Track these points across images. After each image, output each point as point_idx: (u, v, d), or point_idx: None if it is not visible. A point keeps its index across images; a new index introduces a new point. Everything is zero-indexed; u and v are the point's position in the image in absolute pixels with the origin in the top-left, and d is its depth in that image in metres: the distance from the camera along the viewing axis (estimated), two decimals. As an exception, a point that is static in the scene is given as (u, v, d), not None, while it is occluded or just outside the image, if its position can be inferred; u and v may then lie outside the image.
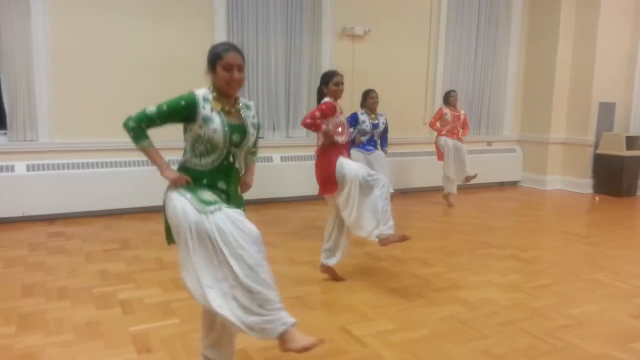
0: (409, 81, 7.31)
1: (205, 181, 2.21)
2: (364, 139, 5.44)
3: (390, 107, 5.68)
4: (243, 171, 2.39)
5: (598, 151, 7.70)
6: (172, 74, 5.50)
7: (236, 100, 2.30)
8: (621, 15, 7.61)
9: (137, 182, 5.55)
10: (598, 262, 4.43)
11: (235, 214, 2.11)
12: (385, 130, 5.64)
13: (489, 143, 8.21)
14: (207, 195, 2.17)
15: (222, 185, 2.25)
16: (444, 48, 7.58)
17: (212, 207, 2.09)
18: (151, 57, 5.64)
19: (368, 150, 5.46)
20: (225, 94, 2.24)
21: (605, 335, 3.00)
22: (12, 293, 3.46)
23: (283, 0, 6.42)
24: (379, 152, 5.52)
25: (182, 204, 2.12)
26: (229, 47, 2.24)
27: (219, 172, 2.24)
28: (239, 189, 2.40)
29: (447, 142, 6.46)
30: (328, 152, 3.73)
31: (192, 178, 2.20)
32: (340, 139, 3.74)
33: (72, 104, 5.50)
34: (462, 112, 6.71)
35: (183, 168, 2.26)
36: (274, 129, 6.62)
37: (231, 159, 2.26)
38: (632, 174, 7.55)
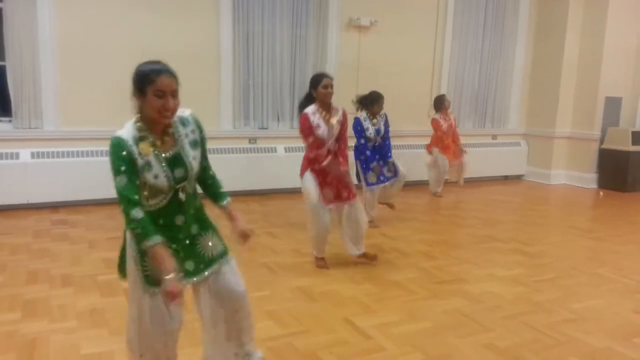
0: (415, 73, 7.27)
1: (162, 221, 1.98)
2: (369, 145, 4.99)
3: (395, 99, 5.65)
4: (193, 191, 2.10)
5: (603, 146, 7.66)
6: (177, 64, 5.43)
7: (167, 126, 1.97)
8: (629, 10, 7.54)
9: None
10: (602, 257, 4.42)
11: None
12: (387, 131, 5.14)
13: (494, 137, 8.18)
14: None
15: (179, 220, 2.03)
16: (450, 40, 7.53)
17: (155, 290, 1.95)
18: (156, 47, 5.61)
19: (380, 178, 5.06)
20: (155, 123, 1.94)
21: (609, 330, 2.99)
22: (17, 280, 3.48)
23: (290, -11, 6.40)
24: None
25: (133, 272, 2.00)
26: (161, 69, 1.91)
27: (171, 208, 2.01)
28: (203, 212, 2.17)
29: (444, 161, 6.54)
30: (306, 160, 3.80)
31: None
32: (315, 153, 3.70)
33: (77, 93, 5.49)
34: (453, 117, 6.69)
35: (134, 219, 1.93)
36: (278, 119, 6.60)
37: (180, 194, 2.01)
38: (637, 169, 7.51)
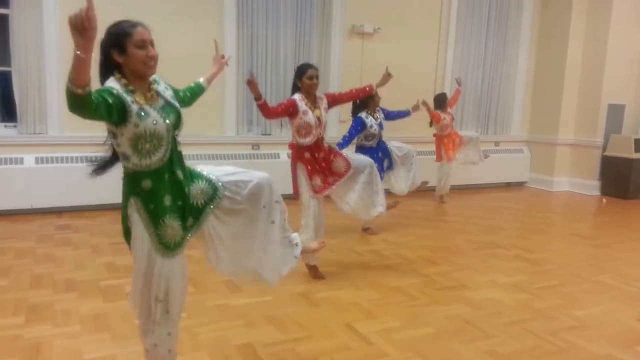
0: (418, 80, 7.29)
1: (167, 176, 2.04)
2: (372, 142, 5.06)
3: (398, 106, 5.66)
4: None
5: (606, 153, 7.66)
6: (181, 68, 5.48)
7: (149, 83, 2.04)
8: (632, 17, 7.55)
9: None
10: (604, 264, 4.42)
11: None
12: (388, 117, 5.29)
13: (497, 143, 8.19)
14: (171, 231, 2.05)
15: (180, 174, 2.09)
16: (453, 46, 7.56)
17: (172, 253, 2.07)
18: (161, 52, 5.63)
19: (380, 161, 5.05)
20: (141, 76, 1.97)
21: (611, 337, 2.99)
22: (21, 284, 3.50)
23: (293, -4, 6.44)
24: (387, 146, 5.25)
25: (142, 239, 2.05)
26: (135, 22, 1.98)
27: (172, 162, 2.05)
28: (191, 170, 2.21)
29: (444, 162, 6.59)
30: (293, 153, 3.83)
31: (149, 186, 2.01)
32: (304, 141, 3.70)
33: (81, 98, 5.53)
34: (450, 110, 6.67)
35: (136, 176, 2.02)
36: (281, 125, 6.61)
37: (178, 145, 2.09)
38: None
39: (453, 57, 7.59)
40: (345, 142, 4.83)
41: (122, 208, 2.12)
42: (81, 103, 1.72)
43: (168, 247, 2.06)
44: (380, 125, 5.09)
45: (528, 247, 4.85)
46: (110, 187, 5.59)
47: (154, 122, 1.94)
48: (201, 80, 2.57)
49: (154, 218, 2.02)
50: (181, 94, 2.34)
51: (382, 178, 4.99)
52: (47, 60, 5.35)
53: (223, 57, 2.79)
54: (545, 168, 8.14)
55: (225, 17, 6.07)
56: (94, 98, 1.76)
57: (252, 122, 6.50)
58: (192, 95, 2.47)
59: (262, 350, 2.70)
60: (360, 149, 5.08)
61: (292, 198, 3.78)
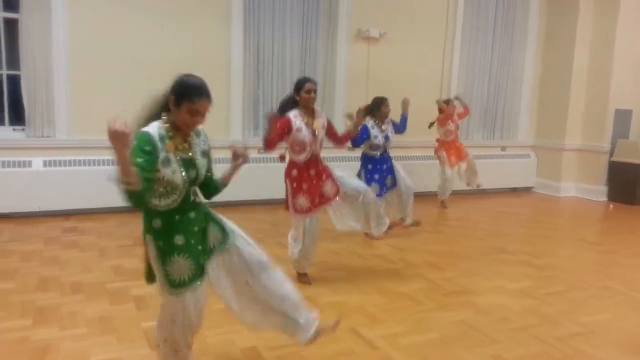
0: (424, 84, 7.29)
1: (177, 217, 2.14)
2: (376, 153, 5.01)
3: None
4: (200, 198, 2.28)
5: (613, 158, 7.63)
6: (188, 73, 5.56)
7: (187, 133, 2.16)
8: (639, 21, 7.53)
9: (151, 179, 5.63)
10: (611, 270, 4.40)
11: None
12: (396, 130, 5.20)
13: (503, 148, 8.17)
14: (179, 268, 2.13)
15: (192, 214, 2.20)
16: (459, 51, 7.56)
17: (180, 290, 2.15)
18: (169, 57, 5.69)
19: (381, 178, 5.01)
20: (180, 130, 2.11)
21: (617, 344, 2.98)
22: (29, 286, 3.52)
23: (300, 1, 6.46)
24: (393, 164, 5.17)
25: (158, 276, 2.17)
26: (203, 92, 2.08)
27: (183, 205, 2.16)
28: (205, 207, 2.31)
29: (444, 157, 6.52)
30: (288, 168, 3.80)
31: (160, 226, 2.13)
32: (298, 158, 3.68)
33: (89, 102, 5.57)
34: (456, 119, 6.65)
35: (148, 214, 2.16)
36: (287, 129, 6.64)
37: (191, 196, 2.18)
38: (647, 182, 7.47)
39: (459, 61, 7.59)
40: (353, 145, 4.84)
41: (143, 243, 2.25)
42: (140, 196, 1.93)
43: (172, 284, 2.13)
44: (386, 138, 5.03)
45: (534, 252, 4.83)
46: (117, 190, 5.67)
47: (173, 172, 2.07)
48: (218, 178, 2.41)
49: (163, 255, 2.13)
50: (211, 157, 2.33)
51: (383, 193, 5.00)
52: (56, 64, 5.39)
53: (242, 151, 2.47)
54: (552, 173, 8.11)
55: (232, 21, 6.10)
56: (143, 181, 1.92)
57: (258, 127, 6.51)
58: (212, 181, 2.38)
59: (268, 354, 2.70)
60: (364, 158, 5.08)
61: (284, 209, 3.81)
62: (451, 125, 6.48)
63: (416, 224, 5.34)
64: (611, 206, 7.37)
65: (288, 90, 6.46)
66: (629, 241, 5.44)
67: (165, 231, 2.13)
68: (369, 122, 4.97)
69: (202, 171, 2.20)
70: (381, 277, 3.96)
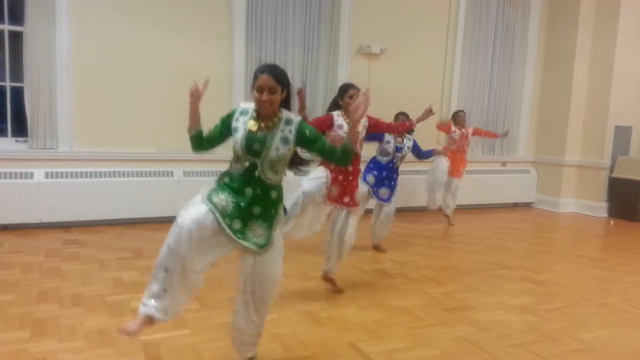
0: (425, 100, 7.21)
1: (235, 185, 2.41)
2: (384, 159, 5.05)
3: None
4: (272, 181, 2.45)
5: (613, 175, 7.64)
6: (191, 86, 5.60)
7: (272, 116, 2.41)
8: (639, 38, 7.59)
9: (151, 192, 5.64)
10: (611, 286, 4.39)
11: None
12: (414, 150, 5.31)
13: (504, 164, 8.19)
14: (220, 202, 2.39)
15: (248, 191, 2.40)
16: (459, 67, 7.62)
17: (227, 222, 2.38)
18: (171, 70, 5.74)
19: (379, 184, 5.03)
20: (265, 113, 2.39)
21: (618, 362, 2.96)
22: (28, 298, 3.52)
23: (301, 16, 6.53)
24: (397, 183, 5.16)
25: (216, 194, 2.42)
26: (265, 68, 2.39)
27: (246, 179, 2.40)
28: (272, 205, 2.50)
29: (444, 166, 6.40)
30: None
31: (228, 179, 2.45)
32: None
33: (92, 114, 5.61)
34: (470, 129, 6.63)
35: (226, 171, 2.50)
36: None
37: (256, 171, 2.39)
38: (647, 199, 7.47)
39: (459, 77, 7.64)
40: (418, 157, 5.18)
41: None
42: (194, 141, 2.53)
43: (209, 197, 2.40)
44: (398, 149, 5.04)
45: (535, 268, 4.82)
46: (118, 202, 5.71)
47: (235, 141, 2.41)
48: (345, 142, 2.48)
49: (219, 185, 2.46)
50: (307, 133, 2.45)
51: (374, 195, 5.02)
52: (59, 77, 5.44)
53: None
54: (552, 189, 8.12)
55: (234, 37, 6.16)
56: (209, 133, 2.53)
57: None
58: (314, 142, 2.49)
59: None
60: (372, 161, 5.09)
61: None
62: (456, 133, 6.40)
63: (382, 248, 5.16)
64: (612, 222, 7.36)
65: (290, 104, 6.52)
66: (630, 258, 5.43)
67: (224, 186, 2.43)
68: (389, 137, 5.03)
69: (273, 154, 2.38)
70: (381, 292, 3.96)
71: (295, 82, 6.56)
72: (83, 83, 5.55)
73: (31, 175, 5.36)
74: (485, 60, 7.83)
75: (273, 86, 2.35)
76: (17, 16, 5.37)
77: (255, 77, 2.38)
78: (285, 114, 2.44)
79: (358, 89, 3.84)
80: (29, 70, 5.36)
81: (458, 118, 6.52)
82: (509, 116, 8.17)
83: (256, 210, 2.42)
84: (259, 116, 2.41)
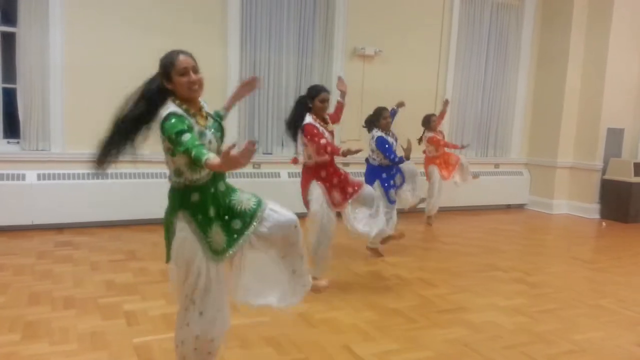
0: (419, 102, 7.33)
1: (212, 189, 2.25)
2: (388, 162, 4.87)
3: (399, 128, 5.68)
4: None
5: (605, 177, 7.69)
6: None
7: (200, 106, 2.27)
8: (631, 41, 7.64)
9: (144, 193, 5.61)
10: (604, 288, 4.41)
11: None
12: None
13: (497, 165, 8.22)
14: (218, 237, 2.25)
15: (222, 186, 2.31)
16: (453, 70, 7.64)
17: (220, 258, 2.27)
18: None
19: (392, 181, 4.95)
20: (190, 100, 2.20)
21: (610, 363, 2.98)
22: (19, 301, 3.50)
23: (296, 19, 6.54)
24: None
25: (191, 244, 2.20)
26: (178, 51, 2.22)
27: (216, 176, 2.26)
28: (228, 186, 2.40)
29: (436, 173, 6.47)
30: (308, 172, 3.94)
31: (197, 196, 2.21)
32: (323, 159, 3.87)
33: (85, 116, 5.57)
34: (440, 129, 6.69)
35: (186, 190, 2.20)
36: (282, 145, 6.67)
37: None
38: (639, 201, 7.51)
39: (453, 80, 7.67)
40: (394, 155, 4.79)
41: (167, 220, 2.28)
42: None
43: (216, 253, 2.25)
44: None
45: (527, 269, 4.84)
46: (111, 204, 5.68)
47: (210, 142, 2.19)
48: (220, 109, 2.59)
49: (202, 227, 2.22)
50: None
51: (395, 194, 4.95)
52: (52, 78, 5.41)
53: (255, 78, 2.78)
54: (545, 191, 8.15)
55: (228, 40, 6.16)
56: (193, 144, 1.99)
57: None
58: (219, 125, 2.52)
59: None
60: (379, 169, 4.91)
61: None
62: (440, 135, 6.51)
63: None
64: (604, 224, 7.40)
65: (284, 106, 6.52)
66: (622, 259, 5.46)
67: (203, 204, 2.22)
68: (379, 133, 4.89)
69: (224, 127, 2.33)
70: (374, 294, 3.96)
71: (290, 85, 6.57)
72: (75, 85, 5.52)
73: (23, 177, 5.33)
74: (479, 62, 7.87)
75: (195, 65, 2.20)
76: (10, 17, 5.35)
77: (171, 63, 2.16)
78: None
79: (329, 93, 3.86)
80: (21, 72, 5.33)
81: (432, 123, 6.47)
82: (502, 118, 8.21)
83: (228, 193, 2.35)
84: (191, 112, 2.18)
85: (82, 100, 5.55)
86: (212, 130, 2.25)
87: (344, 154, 3.62)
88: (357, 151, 3.60)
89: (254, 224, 2.31)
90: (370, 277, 4.41)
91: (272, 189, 6.39)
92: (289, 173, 6.51)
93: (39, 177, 5.38)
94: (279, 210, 2.40)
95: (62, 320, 3.21)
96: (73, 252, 4.73)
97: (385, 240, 4.78)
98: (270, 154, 6.60)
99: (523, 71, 8.19)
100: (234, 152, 1.80)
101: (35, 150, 5.46)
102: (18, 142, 5.47)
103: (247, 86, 2.76)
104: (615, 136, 7.75)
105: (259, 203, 2.36)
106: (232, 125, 6.30)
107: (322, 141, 3.71)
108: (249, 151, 1.77)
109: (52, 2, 5.31)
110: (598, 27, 7.60)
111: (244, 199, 2.35)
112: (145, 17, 5.74)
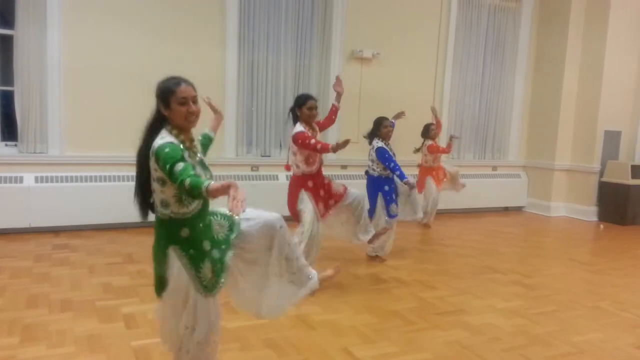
0: (416, 105, 7.33)
1: (201, 224, 2.20)
2: (389, 173, 4.82)
3: (396, 131, 5.70)
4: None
5: (603, 179, 7.71)
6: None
7: (191, 135, 2.25)
8: (628, 43, 7.67)
9: (143, 196, 5.61)
10: (602, 290, 4.41)
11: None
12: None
13: (494, 168, 8.24)
14: (208, 272, 2.20)
15: (207, 219, 2.26)
16: (450, 72, 7.66)
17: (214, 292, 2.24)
18: (162, 74, 5.64)
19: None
20: (184, 129, 2.18)
21: (609, 365, 2.98)
22: (17, 304, 3.48)
23: (294, 22, 6.55)
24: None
25: (185, 282, 2.18)
26: (179, 80, 2.18)
27: (203, 210, 2.22)
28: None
29: (433, 186, 6.37)
30: (296, 182, 4.00)
31: (188, 230, 2.16)
32: (310, 169, 3.94)
33: (82, 118, 5.58)
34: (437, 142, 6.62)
35: (173, 224, 2.16)
36: (280, 147, 6.67)
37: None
38: (637, 203, 7.53)
39: (450, 82, 7.68)
40: (397, 166, 4.70)
41: (157, 256, 2.22)
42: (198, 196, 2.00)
43: (207, 288, 2.20)
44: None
45: (526, 272, 4.84)
46: (108, 207, 5.67)
47: (199, 174, 2.12)
48: (207, 130, 2.75)
49: (195, 262, 2.17)
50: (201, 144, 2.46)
51: (396, 208, 4.87)
52: (50, 81, 5.40)
53: (218, 112, 3.06)
54: (543, 193, 8.17)
55: (227, 41, 6.16)
56: (188, 174, 1.94)
57: (251, 144, 6.55)
58: (205, 148, 2.61)
59: None
60: (380, 180, 4.84)
61: (295, 220, 3.94)
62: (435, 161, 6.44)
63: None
64: (602, 226, 7.42)
65: (282, 108, 6.53)
66: (620, 261, 5.47)
67: (194, 238, 2.17)
68: (380, 143, 4.80)
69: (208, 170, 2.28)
70: (374, 296, 3.95)
71: (288, 87, 6.58)
72: (73, 87, 5.51)
73: (21, 180, 5.31)
74: (476, 65, 7.89)
75: (195, 95, 2.19)
76: (7, 20, 5.34)
77: (171, 91, 2.14)
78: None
79: (316, 100, 3.93)
80: (19, 74, 5.32)
81: (431, 132, 6.40)
82: (499, 120, 8.23)
83: (217, 226, 2.29)
84: (185, 142, 2.17)
85: (80, 103, 5.55)
86: (199, 163, 2.23)
87: (334, 150, 3.64)
88: (345, 143, 3.60)
89: (234, 251, 2.30)
90: (369, 279, 4.41)
91: (270, 191, 6.39)
92: (286, 175, 6.49)
93: (36, 179, 5.36)
94: (256, 216, 2.35)
95: (60, 323, 3.20)
96: (70, 254, 4.72)
97: (372, 240, 4.74)
98: (269, 156, 6.60)
99: (520, 73, 8.21)
100: None
101: (32, 153, 5.45)
102: (16, 145, 5.46)
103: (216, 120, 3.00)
104: (612, 138, 7.77)
105: (231, 228, 2.31)
106: (230, 128, 6.30)
107: (312, 141, 3.76)
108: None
109: (50, 4, 5.31)
110: (595, 30, 7.63)
111: (217, 224, 2.29)
112: (143, 18, 5.74)
